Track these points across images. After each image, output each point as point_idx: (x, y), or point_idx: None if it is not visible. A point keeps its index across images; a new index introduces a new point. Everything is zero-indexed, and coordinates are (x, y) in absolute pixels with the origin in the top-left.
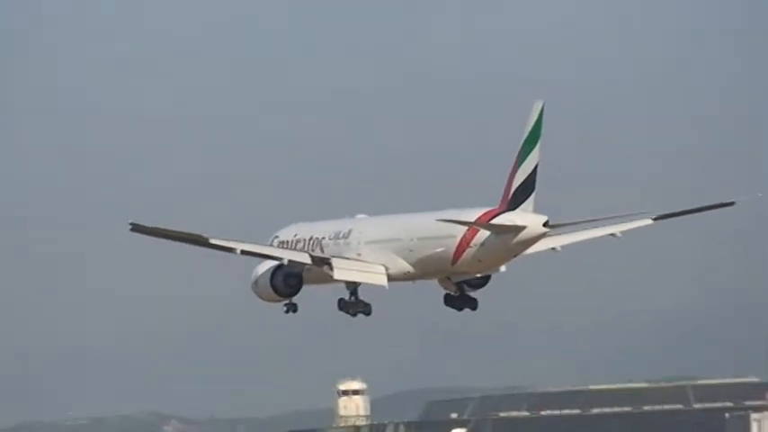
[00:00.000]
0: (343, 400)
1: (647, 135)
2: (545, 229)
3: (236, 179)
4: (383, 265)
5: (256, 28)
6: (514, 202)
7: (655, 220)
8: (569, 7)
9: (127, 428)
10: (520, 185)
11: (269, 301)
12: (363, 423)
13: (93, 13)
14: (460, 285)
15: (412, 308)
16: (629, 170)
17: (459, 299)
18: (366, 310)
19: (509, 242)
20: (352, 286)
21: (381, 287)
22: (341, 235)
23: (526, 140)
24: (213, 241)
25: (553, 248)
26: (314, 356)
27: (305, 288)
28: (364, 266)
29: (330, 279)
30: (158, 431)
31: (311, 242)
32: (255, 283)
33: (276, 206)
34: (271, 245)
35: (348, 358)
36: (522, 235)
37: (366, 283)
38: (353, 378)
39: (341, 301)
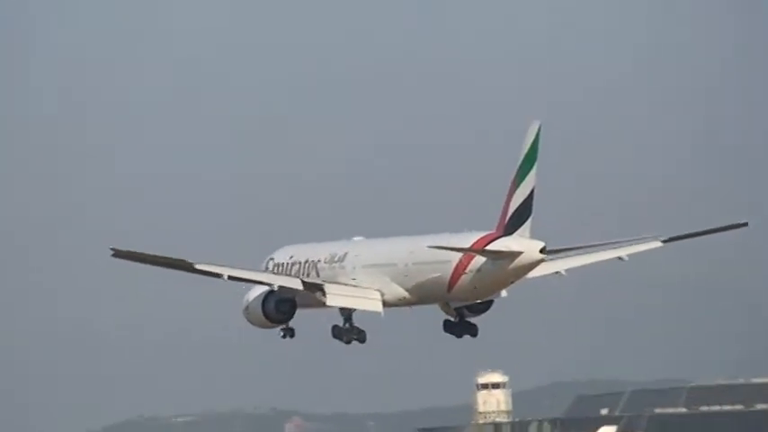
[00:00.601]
0: (482, 395)
1: (647, 159)
2: (542, 256)
3: (232, 196)
4: (378, 291)
5: (252, 34)
6: (511, 226)
7: (664, 242)
8: (570, 31)
9: (246, 425)
10: (516, 209)
11: (261, 327)
12: (504, 420)
13: (91, 12)
14: (460, 311)
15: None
16: (630, 193)
17: (459, 325)
18: (360, 337)
19: (505, 268)
20: (347, 312)
21: (376, 313)
22: (336, 258)
23: (522, 163)
24: (199, 266)
25: (557, 272)
26: (450, 346)
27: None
28: (358, 292)
29: (324, 304)
30: (280, 428)
31: (307, 265)
32: (246, 308)
33: (273, 226)
34: (266, 267)
35: (488, 348)
36: (519, 261)
37: (360, 310)
38: (494, 370)
39: (335, 327)
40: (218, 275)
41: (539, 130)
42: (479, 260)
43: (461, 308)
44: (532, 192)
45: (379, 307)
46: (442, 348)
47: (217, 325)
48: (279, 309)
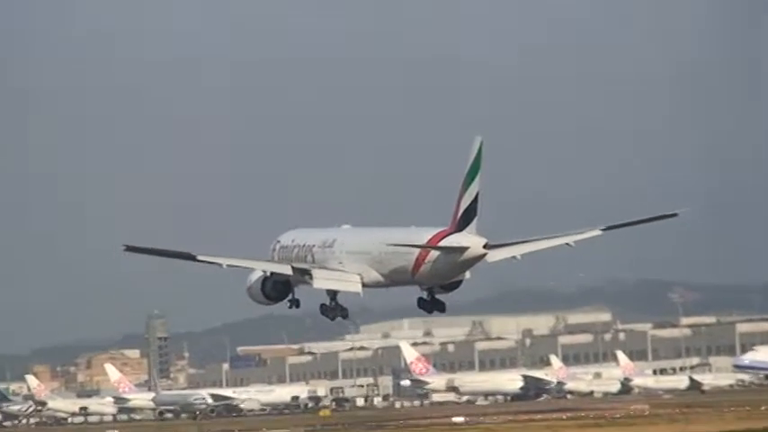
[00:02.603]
0: None
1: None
2: (485, 251)
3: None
4: (359, 274)
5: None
6: (461, 224)
7: (603, 230)
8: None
9: (621, 295)
10: (464, 211)
11: (262, 304)
12: None
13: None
14: (431, 290)
15: None
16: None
17: (430, 302)
18: (344, 314)
19: (456, 260)
20: (332, 293)
21: (356, 294)
22: (327, 244)
23: (468, 172)
24: (201, 258)
25: (514, 257)
26: None
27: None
28: (341, 276)
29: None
30: (664, 297)
31: (305, 248)
32: (249, 289)
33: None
34: (273, 248)
35: None
36: (466, 254)
37: (343, 291)
38: None
39: (322, 306)
40: (218, 264)
41: (481, 144)
42: (435, 253)
43: (432, 287)
44: (477, 196)
45: (359, 288)
46: None
47: None
48: (275, 289)
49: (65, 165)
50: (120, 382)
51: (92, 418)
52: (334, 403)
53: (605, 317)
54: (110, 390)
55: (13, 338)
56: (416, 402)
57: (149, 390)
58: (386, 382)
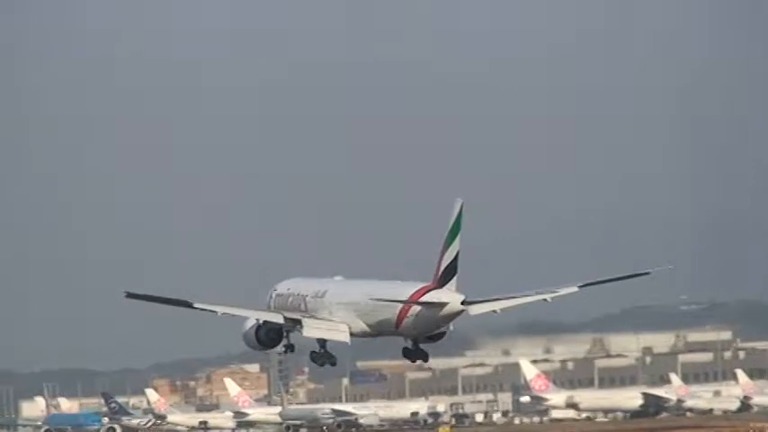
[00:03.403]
0: None
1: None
2: (462, 306)
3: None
4: (347, 324)
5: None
6: (442, 281)
7: (580, 287)
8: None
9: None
10: (445, 268)
11: (256, 350)
12: None
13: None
14: (416, 340)
15: None
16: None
17: (414, 352)
18: (332, 361)
19: (436, 314)
20: (321, 341)
21: (345, 343)
22: (319, 294)
23: (449, 232)
24: (197, 305)
25: (494, 311)
26: None
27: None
28: (330, 325)
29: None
30: None
31: (299, 297)
32: (244, 335)
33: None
34: (270, 295)
35: None
36: (446, 309)
37: (332, 340)
38: None
39: (312, 353)
40: (214, 312)
41: (461, 207)
42: (416, 307)
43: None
44: (457, 255)
45: (347, 338)
46: None
47: None
48: (269, 336)
49: (123, 164)
50: (240, 396)
51: None
52: (453, 419)
53: (726, 335)
54: (229, 404)
55: (133, 352)
56: (536, 419)
57: (269, 404)
58: (505, 398)
